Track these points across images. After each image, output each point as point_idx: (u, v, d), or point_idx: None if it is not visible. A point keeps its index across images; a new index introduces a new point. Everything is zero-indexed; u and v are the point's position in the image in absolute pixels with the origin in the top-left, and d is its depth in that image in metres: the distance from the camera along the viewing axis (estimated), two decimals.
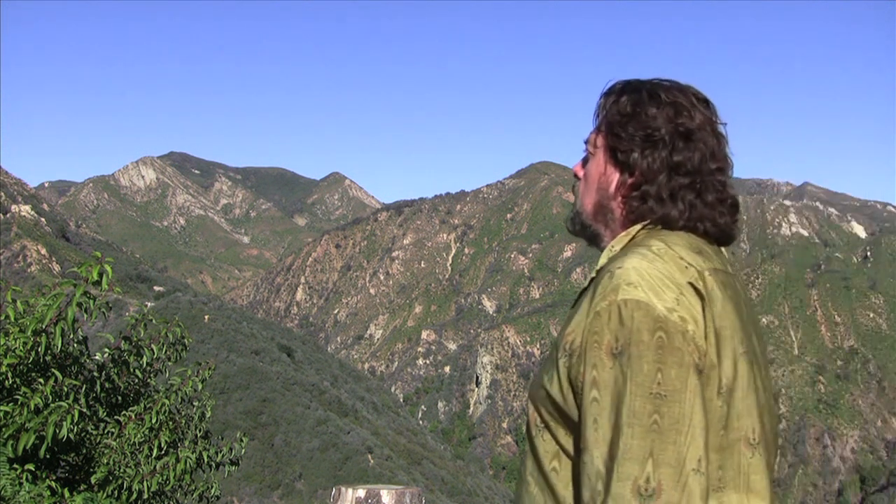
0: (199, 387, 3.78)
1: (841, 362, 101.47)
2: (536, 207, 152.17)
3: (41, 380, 2.85)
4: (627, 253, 1.19)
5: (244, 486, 41.42)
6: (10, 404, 2.76)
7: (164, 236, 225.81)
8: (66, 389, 2.87)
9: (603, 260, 1.26)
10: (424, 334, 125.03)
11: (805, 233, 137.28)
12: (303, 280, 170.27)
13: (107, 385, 3.41)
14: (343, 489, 2.19)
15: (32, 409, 2.73)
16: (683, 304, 1.11)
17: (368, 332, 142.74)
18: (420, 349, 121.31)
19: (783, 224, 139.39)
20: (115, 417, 3.34)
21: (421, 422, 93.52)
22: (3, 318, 2.92)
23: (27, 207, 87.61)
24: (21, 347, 2.83)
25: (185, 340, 3.76)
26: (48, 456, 2.89)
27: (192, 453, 3.43)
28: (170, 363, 3.73)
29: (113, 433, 3.26)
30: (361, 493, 2.15)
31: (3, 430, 2.70)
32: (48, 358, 2.98)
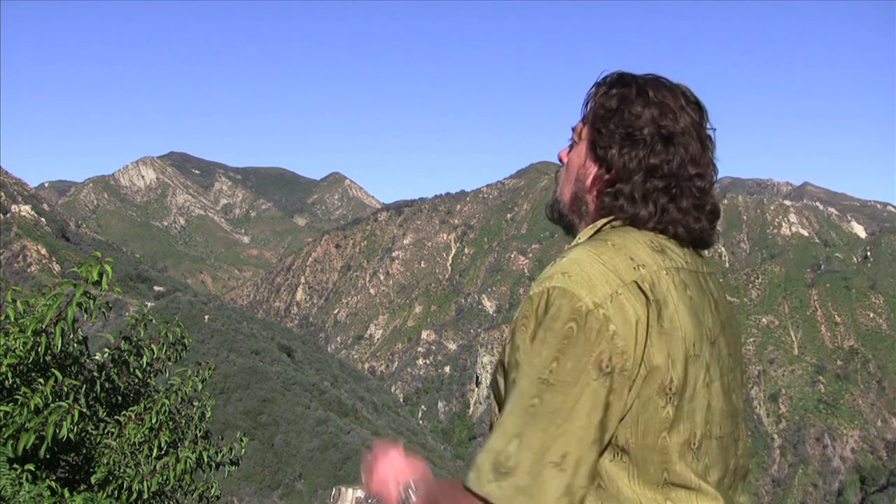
0: (199, 387, 3.78)
1: (841, 362, 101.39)
2: (536, 207, 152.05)
3: (41, 380, 2.85)
4: (581, 245, 1.19)
5: (244, 486, 41.42)
6: (10, 404, 2.76)
7: (164, 236, 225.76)
8: (66, 389, 2.87)
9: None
10: (424, 334, 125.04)
11: (805, 233, 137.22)
12: (303, 280, 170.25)
13: (107, 385, 3.41)
14: (343, 489, 2.20)
15: (32, 409, 2.73)
16: (617, 302, 1.08)
17: (368, 332, 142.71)
18: (420, 349, 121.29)
19: (783, 224, 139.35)
20: (115, 417, 3.34)
21: (421, 422, 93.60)
22: (3, 318, 2.92)
23: (27, 207, 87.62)
24: (21, 347, 2.83)
25: (185, 340, 3.76)
26: (48, 456, 2.88)
27: (192, 453, 3.43)
28: (170, 363, 3.73)
29: (113, 433, 3.26)
30: (361, 493, 2.15)
31: (3, 430, 2.70)
32: (48, 358, 2.98)
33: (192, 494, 3.75)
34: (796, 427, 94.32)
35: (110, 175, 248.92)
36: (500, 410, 1.16)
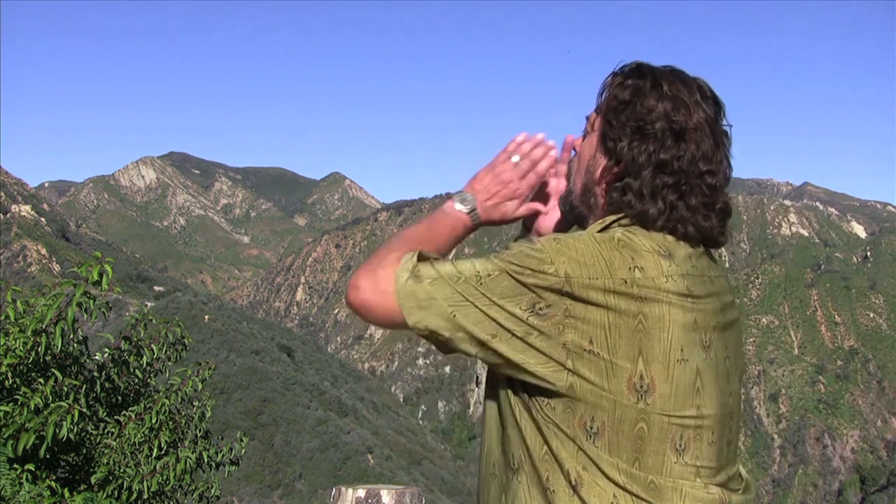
0: (199, 387, 3.78)
1: (841, 362, 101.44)
2: None
3: (41, 380, 2.85)
4: (587, 231, 1.20)
5: (244, 486, 41.41)
6: (10, 404, 2.76)
7: (164, 236, 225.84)
8: (66, 389, 2.87)
9: None
10: None
11: (805, 233, 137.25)
12: (303, 280, 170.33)
13: (107, 385, 3.41)
14: (343, 489, 2.19)
15: (32, 409, 2.73)
16: (590, 283, 1.11)
17: (368, 331, 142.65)
18: (420, 349, 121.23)
19: (783, 224, 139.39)
20: (115, 417, 3.34)
21: (421, 422, 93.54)
22: (3, 318, 2.92)
23: (27, 207, 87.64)
24: (21, 347, 2.83)
25: (185, 340, 3.76)
26: (48, 456, 2.88)
27: (192, 453, 3.43)
28: (170, 363, 3.73)
29: (113, 433, 3.26)
30: (361, 493, 2.15)
31: (3, 430, 2.70)
32: (48, 358, 2.98)
33: (192, 494, 3.74)
34: (796, 427, 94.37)
35: (110, 175, 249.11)
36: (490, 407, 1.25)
